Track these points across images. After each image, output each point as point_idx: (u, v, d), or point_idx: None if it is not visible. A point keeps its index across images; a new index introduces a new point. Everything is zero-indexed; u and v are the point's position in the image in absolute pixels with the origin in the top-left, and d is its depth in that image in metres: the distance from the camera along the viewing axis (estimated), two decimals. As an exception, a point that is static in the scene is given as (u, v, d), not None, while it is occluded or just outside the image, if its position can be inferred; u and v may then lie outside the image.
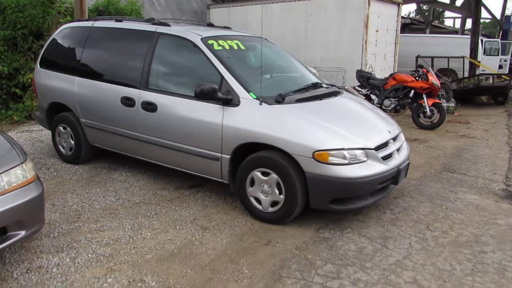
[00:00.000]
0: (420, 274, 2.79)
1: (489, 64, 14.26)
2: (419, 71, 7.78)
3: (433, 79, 7.51)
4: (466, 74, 12.42)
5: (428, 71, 7.68)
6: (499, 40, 17.40)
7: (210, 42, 3.95)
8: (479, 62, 13.00)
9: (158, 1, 13.79)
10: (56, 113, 5.03)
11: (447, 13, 29.39)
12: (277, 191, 3.39)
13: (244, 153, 3.57)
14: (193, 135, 3.79)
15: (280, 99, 3.55)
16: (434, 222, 3.56)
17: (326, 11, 11.79)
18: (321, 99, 3.88)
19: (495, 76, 11.31)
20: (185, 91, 3.90)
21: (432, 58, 12.22)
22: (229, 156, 3.61)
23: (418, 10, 24.87)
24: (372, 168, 3.32)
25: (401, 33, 12.94)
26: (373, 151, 3.38)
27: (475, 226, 3.51)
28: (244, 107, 3.52)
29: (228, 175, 3.67)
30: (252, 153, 3.50)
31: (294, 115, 3.48)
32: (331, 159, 3.21)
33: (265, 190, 3.45)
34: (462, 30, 20.64)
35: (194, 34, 4.03)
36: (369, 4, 10.96)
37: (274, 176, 3.36)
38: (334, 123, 3.52)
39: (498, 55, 15.86)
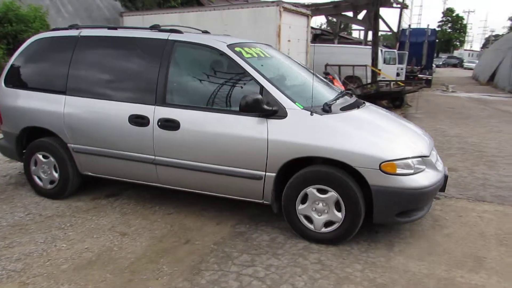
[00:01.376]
0: (324, 255, 3.13)
1: (388, 72, 15.82)
2: (326, 77, 8.45)
3: (338, 85, 8.21)
4: (369, 81, 13.68)
5: (333, 78, 8.38)
6: (396, 50, 19.35)
7: (237, 49, 3.62)
8: (379, 70, 14.37)
9: (65, 7, 13.18)
10: (29, 140, 4.26)
11: (354, 26, 31.85)
12: (335, 210, 3.19)
13: (287, 170, 3.32)
14: (229, 153, 3.39)
15: (328, 109, 3.33)
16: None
17: (240, 21, 12.20)
18: (358, 108, 3.75)
19: (393, 82, 12.63)
20: (216, 104, 3.51)
21: (339, 66, 13.26)
22: (274, 174, 3.29)
23: (328, 22, 26.67)
24: (432, 176, 3.25)
25: (312, 43, 13.84)
26: (429, 158, 3.33)
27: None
28: (293, 119, 3.23)
29: (271, 194, 3.38)
30: (297, 170, 3.28)
31: (349, 124, 3.33)
32: (399, 170, 3.06)
33: (319, 208, 3.23)
34: (365, 41, 22.59)
35: (218, 41, 3.67)
36: (280, 15, 11.55)
37: (333, 194, 3.15)
38: (388, 132, 3.45)
39: (395, 64, 17.66)
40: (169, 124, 3.52)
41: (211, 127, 3.42)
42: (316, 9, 19.23)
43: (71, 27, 4.28)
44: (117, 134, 3.75)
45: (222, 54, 3.55)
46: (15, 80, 4.29)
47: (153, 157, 3.66)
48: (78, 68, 3.96)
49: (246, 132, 3.31)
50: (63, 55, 4.04)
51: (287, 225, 3.56)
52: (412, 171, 3.11)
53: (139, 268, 2.93)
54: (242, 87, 3.49)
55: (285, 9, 11.92)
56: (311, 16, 14.26)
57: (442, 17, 67.19)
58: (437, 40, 31.91)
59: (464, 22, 68.12)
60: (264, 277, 2.81)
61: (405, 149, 3.22)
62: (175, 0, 19.55)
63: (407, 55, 19.27)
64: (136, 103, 3.67)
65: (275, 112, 3.23)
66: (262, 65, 3.61)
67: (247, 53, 3.66)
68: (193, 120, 3.49)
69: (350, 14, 22.25)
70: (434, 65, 29.68)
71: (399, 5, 22.97)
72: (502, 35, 49.83)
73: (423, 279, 2.84)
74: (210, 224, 3.63)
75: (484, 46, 64.82)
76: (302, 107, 3.26)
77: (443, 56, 61.32)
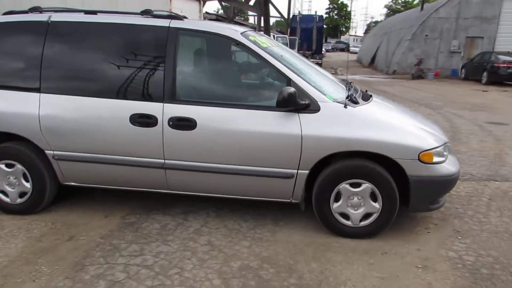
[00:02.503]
0: (214, 236, 3.22)
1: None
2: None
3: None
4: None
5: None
6: (287, 36, 20.23)
7: (252, 38, 3.30)
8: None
9: None
10: None
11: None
12: (371, 201, 3.13)
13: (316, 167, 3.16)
14: (256, 152, 3.12)
15: (356, 100, 3.22)
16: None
17: (129, 5, 11.64)
18: (372, 99, 3.63)
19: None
20: (238, 100, 3.26)
21: (233, 51, 13.43)
22: (307, 172, 3.13)
23: (223, 7, 26.78)
24: (454, 162, 3.34)
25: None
26: (450, 145, 3.41)
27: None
28: (326, 112, 3.06)
29: (302, 193, 3.22)
30: (326, 165, 3.14)
31: (382, 115, 3.29)
32: (435, 159, 3.09)
33: (354, 203, 3.15)
34: (258, 27, 23.18)
35: (230, 29, 3.34)
36: (171, 0, 11.29)
37: (368, 185, 3.09)
38: (413, 122, 3.42)
39: (287, 48, 18.45)
40: (184, 124, 3.13)
41: (235, 125, 3.12)
42: (208, -6, 19.10)
43: (32, 10, 3.56)
44: (115, 137, 3.25)
45: (238, 43, 3.23)
46: None
47: (162, 161, 3.24)
48: (54, 60, 3.32)
49: (277, 128, 3.07)
50: (30, 45, 3.36)
51: (179, 210, 3.56)
52: (443, 159, 3.17)
53: (13, 271, 2.69)
54: (265, 80, 3.27)
55: (176, -6, 11.67)
56: (204, 2, 14.17)
57: (329, 4, 71.75)
58: (325, 26, 34.07)
59: (348, 9, 73.63)
60: (152, 265, 2.79)
61: (436, 137, 3.26)
62: (54, -20, 17.89)
63: (298, 40, 20.28)
64: (138, 100, 3.22)
65: (308, 106, 3.04)
66: (281, 56, 3.34)
67: (263, 42, 3.40)
68: (213, 118, 3.14)
69: None
70: (324, 50, 31.70)
71: (288, -8, 23.94)
72: (380, 21, 55.06)
73: (303, 248, 3.09)
74: (98, 218, 3.48)
75: (366, 31, 71.04)
76: (333, 100, 3.14)
77: (332, 41, 65.69)
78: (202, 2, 13.99)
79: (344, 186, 3.12)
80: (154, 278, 2.65)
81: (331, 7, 71.43)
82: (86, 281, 2.60)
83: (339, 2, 71.39)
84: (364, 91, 3.91)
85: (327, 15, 67.46)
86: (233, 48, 3.40)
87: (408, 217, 3.58)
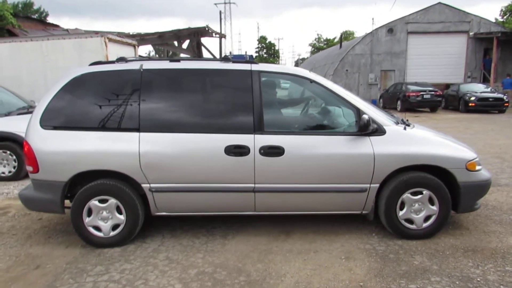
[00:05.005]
0: (171, 252, 3.67)
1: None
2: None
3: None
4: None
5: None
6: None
7: (314, 76, 3.97)
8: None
9: None
10: (73, 187, 3.76)
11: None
12: (430, 205, 3.79)
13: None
14: (336, 171, 3.69)
15: (408, 123, 4.01)
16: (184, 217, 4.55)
17: (64, 52, 11.85)
18: (412, 123, 4.30)
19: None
20: (316, 128, 3.98)
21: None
22: (377, 185, 3.74)
23: (155, 50, 27.52)
24: (487, 171, 4.13)
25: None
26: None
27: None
28: (391, 134, 3.73)
29: (372, 204, 3.81)
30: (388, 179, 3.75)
31: (431, 135, 4.05)
32: (477, 167, 3.84)
33: (416, 209, 3.80)
34: (192, 68, 24.02)
35: (302, 70, 4.01)
36: (106, 46, 11.67)
37: (427, 192, 3.74)
38: (451, 139, 4.21)
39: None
40: (274, 151, 3.62)
41: (317, 149, 3.67)
42: (142, 39, 19.69)
43: (119, 60, 3.94)
44: (212, 167, 3.63)
45: (312, 81, 3.88)
46: (58, 120, 3.68)
47: (253, 185, 3.68)
48: (151, 103, 3.68)
49: (353, 149, 3.67)
50: (126, 90, 3.73)
51: (137, 235, 3.96)
52: (481, 167, 3.94)
53: (-11, 299, 2.95)
54: (336, 111, 3.93)
55: (111, 40, 12.12)
56: (138, 46, 14.71)
57: (258, 44, 75.30)
58: (255, 65, 35.80)
59: (276, 48, 77.74)
60: (119, 279, 3.19)
61: (470, 150, 4.03)
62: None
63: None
64: (231, 133, 3.64)
65: (376, 130, 3.69)
66: (344, 90, 4.00)
67: (324, 80, 4.01)
68: (298, 145, 3.67)
69: (175, 43, 23.39)
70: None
71: (217, 35, 25.24)
72: (307, 58, 58.91)
73: (249, 254, 3.65)
74: (59, 248, 3.77)
75: (294, 68, 74.83)
76: (393, 124, 3.83)
77: (263, 78, 68.28)
78: (136, 46, 14.49)
79: (407, 195, 3.77)
80: (123, 288, 3.05)
81: (260, 46, 74.99)
82: (61, 298, 2.93)
83: (267, 42, 75.26)
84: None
85: (257, 54, 70.65)
86: (311, 85, 4.00)
87: (332, 224, 4.29)
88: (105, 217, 3.72)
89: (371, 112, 3.80)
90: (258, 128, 3.67)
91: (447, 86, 21.76)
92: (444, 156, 3.78)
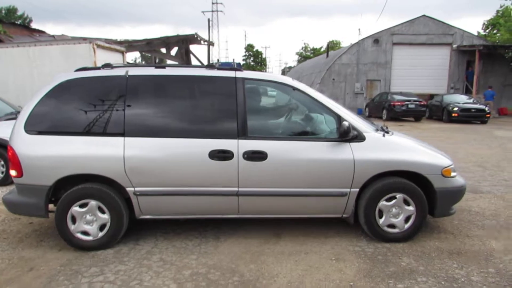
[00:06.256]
0: (165, 254, 3.73)
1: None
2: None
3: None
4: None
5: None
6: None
7: (300, 85, 4.08)
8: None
9: None
10: (57, 191, 3.80)
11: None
12: (406, 206, 3.93)
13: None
14: (318, 175, 3.79)
15: (387, 130, 4.12)
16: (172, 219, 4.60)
17: (51, 58, 11.81)
18: (391, 130, 4.39)
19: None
20: (300, 134, 4.05)
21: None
22: (357, 190, 3.85)
23: (142, 56, 27.54)
24: (461, 177, 4.25)
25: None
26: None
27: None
28: (370, 141, 3.84)
29: (352, 208, 3.92)
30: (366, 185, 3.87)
31: (409, 142, 4.19)
32: (452, 173, 3.97)
33: (394, 213, 3.94)
34: (180, 75, 24.05)
35: (285, 77, 4.13)
36: (94, 52, 11.67)
37: (400, 195, 3.89)
38: (428, 146, 4.35)
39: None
40: (257, 156, 3.70)
41: (300, 155, 3.77)
42: (130, 46, 19.67)
43: (105, 66, 3.96)
44: (196, 171, 3.70)
45: (295, 89, 4.01)
46: (42, 125, 3.70)
47: (236, 189, 3.75)
48: (136, 108, 3.74)
49: (334, 155, 3.78)
50: (112, 96, 3.76)
51: (129, 238, 4.00)
52: (456, 174, 4.08)
53: (-16, 300, 2.96)
54: (318, 118, 4.06)
55: (99, 46, 12.12)
56: (126, 52, 14.71)
57: (245, 52, 75.81)
58: (243, 73, 36.00)
59: (263, 56, 78.38)
60: (114, 280, 3.23)
61: (446, 157, 4.16)
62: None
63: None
64: (216, 138, 3.71)
65: (356, 137, 3.80)
66: (326, 98, 4.11)
67: (307, 88, 4.11)
68: (281, 150, 3.76)
69: (163, 50, 23.43)
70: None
71: (206, 43, 25.37)
72: (293, 66, 59.45)
73: (242, 255, 3.72)
74: (52, 251, 3.78)
75: (281, 77, 75.47)
76: (372, 131, 3.95)
77: (250, 87, 68.55)
78: (124, 53, 14.50)
79: (382, 203, 3.92)
80: (118, 289, 3.09)
81: (247, 54, 75.49)
82: (57, 298, 2.96)
83: (254, 50, 75.81)
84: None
85: (244, 62, 71.06)
86: (294, 92, 4.11)
87: (322, 227, 4.39)
88: (90, 221, 3.74)
89: (351, 119, 3.92)
90: (242, 133, 3.76)
91: (431, 96, 22.25)
92: (421, 163, 3.92)
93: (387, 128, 4.38)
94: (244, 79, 3.90)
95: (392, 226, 3.99)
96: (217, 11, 56.53)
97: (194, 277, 3.30)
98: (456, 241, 4.08)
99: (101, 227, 3.77)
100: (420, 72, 24.12)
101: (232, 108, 3.79)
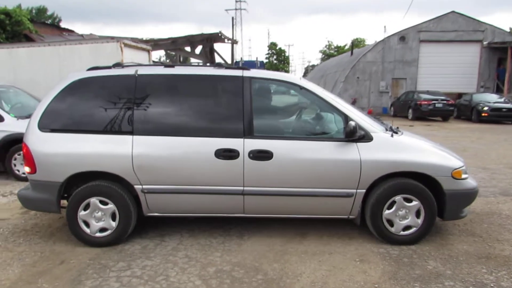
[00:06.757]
0: (190, 251, 3.79)
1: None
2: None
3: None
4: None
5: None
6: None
7: (308, 84, 4.03)
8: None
9: None
10: (69, 187, 3.91)
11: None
12: (415, 218, 3.84)
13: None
14: (323, 176, 3.74)
15: (397, 131, 4.02)
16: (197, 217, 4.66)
17: (80, 57, 12.09)
18: (401, 130, 4.31)
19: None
20: (306, 133, 4.02)
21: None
22: (364, 190, 3.78)
23: (167, 55, 27.95)
24: (473, 179, 4.13)
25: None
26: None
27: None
28: (378, 141, 3.76)
29: (359, 209, 3.85)
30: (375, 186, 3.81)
31: (419, 142, 4.05)
32: (463, 175, 3.86)
33: (402, 215, 3.84)
34: (205, 73, 24.27)
35: (292, 76, 4.06)
36: (122, 51, 11.90)
37: (417, 203, 3.80)
38: (439, 147, 4.21)
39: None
40: (262, 155, 3.69)
41: (305, 154, 3.73)
42: (155, 44, 19.97)
43: (115, 65, 4.06)
44: (202, 169, 3.72)
45: (302, 88, 3.94)
46: (55, 123, 3.82)
47: (241, 188, 3.76)
48: (145, 107, 3.78)
49: (341, 155, 3.72)
50: (121, 94, 3.82)
51: (154, 234, 4.08)
52: (467, 176, 3.97)
53: (18, 290, 3.09)
54: (326, 117, 4.00)
55: (126, 45, 12.35)
56: (151, 51, 14.95)
57: (268, 50, 75.70)
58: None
59: (286, 54, 78.12)
60: (141, 275, 3.30)
61: (457, 158, 4.04)
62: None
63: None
64: (221, 137, 3.72)
65: (363, 137, 3.73)
66: (334, 97, 4.06)
67: (314, 87, 4.06)
68: (286, 149, 3.73)
69: (188, 49, 23.69)
70: (266, 93, 33.36)
71: (230, 41, 25.49)
72: (317, 65, 59.02)
73: (265, 254, 3.74)
74: (81, 245, 3.89)
75: (304, 74, 75.34)
76: (380, 131, 3.86)
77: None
78: (150, 51, 14.74)
79: (399, 197, 3.81)
80: (145, 284, 3.16)
81: (270, 52, 75.38)
82: (86, 291, 3.06)
83: (277, 48, 75.64)
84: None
85: (267, 60, 71.01)
86: (301, 91, 4.06)
87: (346, 227, 4.36)
88: (98, 218, 3.83)
89: (359, 119, 3.85)
90: (248, 132, 3.75)
91: (460, 95, 21.68)
92: (430, 164, 3.81)
93: (397, 128, 4.30)
94: (251, 78, 3.89)
95: (391, 223, 3.92)
96: (240, 9, 56.73)
97: (219, 274, 3.34)
98: (485, 245, 3.98)
99: (103, 229, 3.85)
100: (448, 70, 23.52)
101: (239, 107, 3.79)
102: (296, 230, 4.28)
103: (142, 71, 3.95)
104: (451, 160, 3.93)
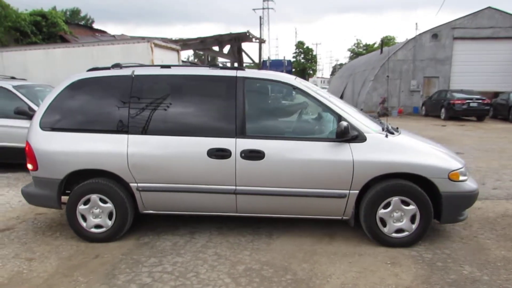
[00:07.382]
0: (219, 248, 3.82)
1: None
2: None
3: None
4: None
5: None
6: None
7: (302, 84, 4.02)
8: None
9: None
10: (70, 184, 4.04)
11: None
12: (410, 222, 3.77)
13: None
14: (315, 176, 3.72)
15: (392, 131, 3.94)
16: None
17: (112, 57, 12.33)
18: (400, 130, 4.21)
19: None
20: (298, 133, 4.03)
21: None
22: (357, 191, 3.74)
23: (195, 55, 28.31)
24: (474, 181, 4.00)
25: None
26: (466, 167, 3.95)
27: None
28: (371, 141, 3.70)
29: (352, 210, 3.81)
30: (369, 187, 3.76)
31: (415, 143, 3.93)
32: (461, 177, 3.74)
33: (396, 217, 3.77)
34: (232, 72, 24.41)
35: (287, 76, 4.09)
36: (152, 51, 12.13)
37: (414, 208, 3.73)
38: (438, 147, 4.10)
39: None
40: (254, 155, 3.70)
41: (298, 154, 3.71)
42: (184, 44, 20.25)
43: (114, 66, 4.16)
44: (195, 168, 3.77)
45: (295, 88, 3.93)
46: (55, 122, 3.98)
47: (234, 187, 3.79)
48: (140, 107, 3.87)
49: (333, 155, 3.67)
50: (118, 94, 3.93)
51: (185, 231, 4.14)
52: (466, 178, 3.83)
53: (55, 282, 3.20)
54: (320, 117, 3.99)
55: (156, 45, 12.58)
56: (180, 51, 15.17)
57: (296, 49, 75.25)
58: (293, 70, 35.91)
59: (314, 53, 77.40)
60: (172, 271, 3.36)
61: (457, 160, 3.91)
62: (36, 36, 18.61)
63: (270, 84, 21.50)
64: (214, 137, 3.76)
65: (357, 137, 3.68)
66: (328, 97, 4.00)
67: (309, 87, 4.04)
68: (278, 149, 3.73)
69: (216, 48, 23.89)
70: (293, 93, 33.22)
71: (257, 40, 25.52)
72: (345, 63, 58.26)
73: (294, 253, 3.72)
74: (115, 240, 4.00)
75: (332, 73, 74.55)
76: (375, 131, 3.79)
77: (301, 84, 68.05)
78: (179, 51, 14.95)
79: (396, 199, 3.73)
80: (176, 280, 3.22)
81: (298, 51, 74.83)
82: (120, 285, 3.14)
83: (305, 47, 75.10)
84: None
85: (294, 59, 70.54)
86: (294, 91, 4.06)
87: (378, 227, 4.28)
88: (96, 215, 3.93)
89: (353, 119, 3.79)
90: (240, 132, 3.77)
91: (496, 94, 20.87)
92: (425, 165, 3.70)
93: (397, 128, 4.20)
94: (244, 78, 3.90)
95: (383, 223, 3.84)
96: (267, 8, 56.61)
97: (248, 272, 3.35)
98: (524, 251, 3.82)
99: (99, 226, 3.94)
100: (484, 69, 22.67)
101: (231, 107, 3.81)
102: (325, 231, 4.25)
103: (139, 71, 4.04)
104: (449, 162, 3.81)
